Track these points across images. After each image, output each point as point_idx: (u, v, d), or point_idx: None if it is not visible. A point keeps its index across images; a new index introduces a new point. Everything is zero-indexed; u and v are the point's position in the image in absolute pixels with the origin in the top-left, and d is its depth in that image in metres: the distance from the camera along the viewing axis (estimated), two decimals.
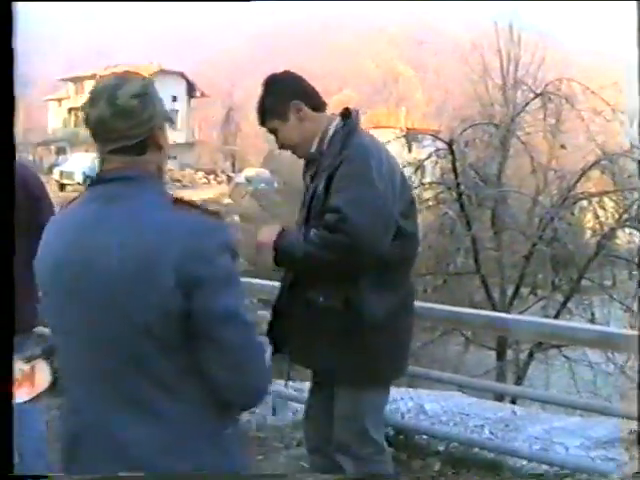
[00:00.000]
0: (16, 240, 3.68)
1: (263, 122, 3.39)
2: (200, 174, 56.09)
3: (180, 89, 64.20)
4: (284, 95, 3.31)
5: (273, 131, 3.37)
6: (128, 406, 2.03)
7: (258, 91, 3.39)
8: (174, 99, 63.87)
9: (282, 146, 3.41)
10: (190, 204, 2.08)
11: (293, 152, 3.43)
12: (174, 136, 61.89)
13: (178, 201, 2.08)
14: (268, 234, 3.24)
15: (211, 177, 56.16)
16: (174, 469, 2.04)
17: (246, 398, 2.16)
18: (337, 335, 3.24)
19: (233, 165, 66.49)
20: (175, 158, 61.09)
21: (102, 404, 2.06)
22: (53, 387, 2.59)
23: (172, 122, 2.36)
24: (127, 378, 2.01)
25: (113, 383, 2.03)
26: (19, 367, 2.60)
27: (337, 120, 3.32)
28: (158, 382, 2.01)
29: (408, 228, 3.29)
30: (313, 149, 3.35)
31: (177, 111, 64.26)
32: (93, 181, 2.12)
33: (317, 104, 3.37)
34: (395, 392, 5.41)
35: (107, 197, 2.05)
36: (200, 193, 44.45)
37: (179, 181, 51.05)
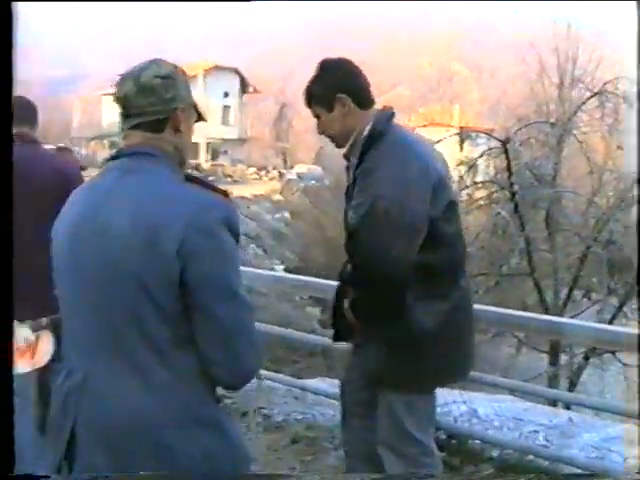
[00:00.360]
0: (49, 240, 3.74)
1: (309, 105, 3.35)
2: (251, 170, 56.32)
3: (234, 85, 64.50)
4: (333, 86, 3.25)
5: (316, 116, 3.34)
6: (122, 367, 2.10)
7: None
8: (226, 95, 64.19)
9: (322, 132, 3.37)
10: (200, 181, 2.22)
11: (331, 140, 3.39)
12: (226, 132, 62.47)
13: (189, 178, 2.22)
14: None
15: (262, 173, 56.38)
16: (160, 434, 2.09)
17: (231, 377, 2.19)
18: (384, 343, 3.23)
19: (284, 161, 66.67)
20: (226, 153, 61.54)
21: (98, 364, 2.13)
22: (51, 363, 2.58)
23: (202, 115, 2.43)
24: (125, 339, 2.09)
25: (111, 343, 2.11)
26: (25, 335, 2.61)
27: (371, 124, 3.22)
28: (154, 347, 2.07)
29: (447, 231, 3.20)
30: (345, 150, 3.31)
31: (229, 107, 64.71)
32: (113, 155, 2.27)
33: (365, 101, 3.29)
34: (447, 395, 5.32)
35: (123, 169, 2.19)
36: (251, 189, 44.62)
37: (230, 176, 51.31)
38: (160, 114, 2.22)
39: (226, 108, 65.20)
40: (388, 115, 3.25)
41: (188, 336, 2.10)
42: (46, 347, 2.68)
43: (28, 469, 4.14)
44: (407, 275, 3.08)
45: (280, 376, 5.98)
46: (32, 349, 2.70)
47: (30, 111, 4.23)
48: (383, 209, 3.02)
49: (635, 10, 3.06)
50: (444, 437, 4.74)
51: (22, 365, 2.71)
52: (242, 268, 2.28)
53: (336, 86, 3.24)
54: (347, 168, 3.35)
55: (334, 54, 3.44)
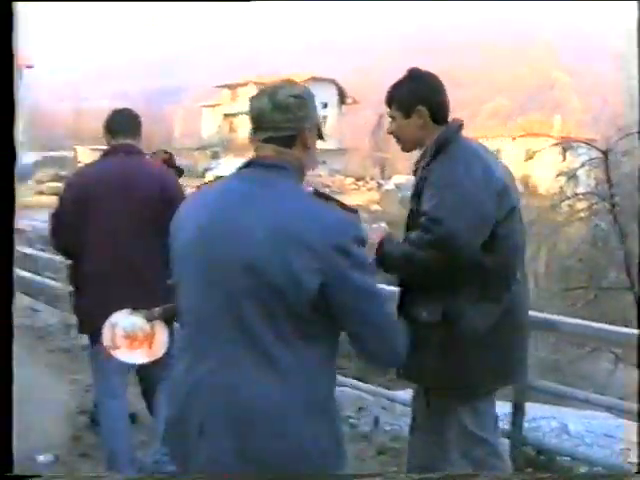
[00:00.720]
0: (154, 240, 3.93)
1: (389, 105, 3.50)
2: (349, 180, 56.43)
3: (332, 96, 65.00)
4: (416, 96, 3.40)
5: (392, 117, 3.50)
6: (251, 357, 2.25)
7: None
8: (324, 106, 64.69)
9: (391, 132, 3.53)
10: (329, 197, 2.36)
11: (398, 142, 3.54)
12: (324, 142, 62.84)
13: (317, 193, 2.37)
14: (373, 235, 3.37)
15: (360, 183, 56.40)
16: (285, 421, 2.26)
17: (389, 358, 2.50)
18: (437, 348, 3.30)
19: (383, 172, 66.59)
20: (325, 163, 61.81)
21: (228, 354, 2.28)
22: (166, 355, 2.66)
23: (322, 135, 2.57)
24: (254, 331, 2.24)
25: (240, 334, 2.26)
26: (140, 325, 2.69)
27: (440, 132, 3.38)
28: (282, 338, 2.25)
29: (507, 236, 3.29)
30: (419, 157, 3.46)
31: (326, 117, 65.15)
32: (245, 164, 2.43)
33: (441, 117, 3.43)
34: (538, 411, 5.25)
35: (257, 179, 2.36)
36: (349, 199, 44.68)
37: (328, 187, 51.49)
38: (292, 131, 2.40)
39: (324, 119, 65.65)
40: (457, 126, 3.41)
41: (314, 332, 2.28)
42: (162, 337, 2.78)
43: (121, 472, 4.29)
44: (468, 264, 3.18)
45: (369, 386, 5.98)
46: (149, 339, 2.79)
47: (133, 123, 4.44)
48: (454, 199, 3.15)
49: (635, 10, 3.16)
50: (532, 453, 4.67)
51: (140, 356, 2.80)
52: None
53: (419, 97, 3.39)
54: (414, 171, 3.49)
55: (433, 64, 3.57)
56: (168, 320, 2.83)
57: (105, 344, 2.87)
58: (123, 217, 4.10)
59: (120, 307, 3.40)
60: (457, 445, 3.50)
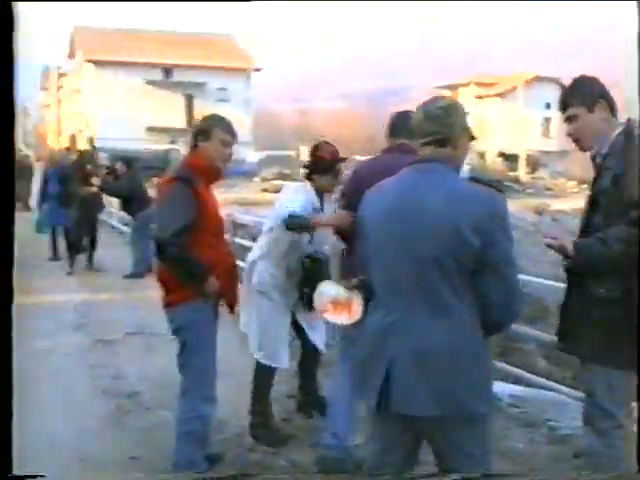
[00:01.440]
0: None
1: (567, 105, 3.77)
2: (571, 183, 54.68)
3: (555, 96, 63.19)
4: (597, 91, 3.72)
5: (570, 118, 3.76)
6: (432, 310, 2.93)
7: None
8: (547, 106, 63.14)
9: (570, 134, 3.79)
10: (481, 180, 3.09)
11: (577, 143, 3.78)
12: (547, 144, 61.31)
13: (472, 178, 3.14)
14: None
15: (584, 187, 54.41)
16: (457, 363, 2.91)
17: (505, 316, 3.09)
18: (611, 322, 3.55)
19: None
20: (546, 166, 60.35)
21: (413, 308, 2.96)
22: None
23: (474, 136, 3.23)
24: (433, 288, 2.92)
25: (423, 292, 2.94)
26: (342, 293, 3.18)
27: (620, 127, 3.66)
28: (455, 292, 2.93)
29: None
30: (595, 149, 3.72)
31: (549, 118, 63.54)
32: (413, 162, 3.13)
33: (615, 111, 3.72)
34: None
35: (424, 170, 3.07)
36: (569, 203, 43.29)
37: (550, 189, 50.24)
38: (442, 134, 3.07)
39: (547, 120, 64.14)
40: (636, 122, 3.65)
41: (472, 285, 2.95)
42: (359, 304, 3.24)
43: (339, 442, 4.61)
44: None
45: (569, 390, 5.95)
46: (349, 305, 3.23)
47: (407, 123, 4.71)
48: None
49: (635, 10, 3.39)
50: None
51: (344, 318, 3.28)
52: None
53: (599, 92, 3.72)
54: (594, 159, 3.76)
55: None
56: (361, 289, 3.29)
57: (317, 308, 3.36)
58: None
59: None
60: (588, 417, 3.77)
